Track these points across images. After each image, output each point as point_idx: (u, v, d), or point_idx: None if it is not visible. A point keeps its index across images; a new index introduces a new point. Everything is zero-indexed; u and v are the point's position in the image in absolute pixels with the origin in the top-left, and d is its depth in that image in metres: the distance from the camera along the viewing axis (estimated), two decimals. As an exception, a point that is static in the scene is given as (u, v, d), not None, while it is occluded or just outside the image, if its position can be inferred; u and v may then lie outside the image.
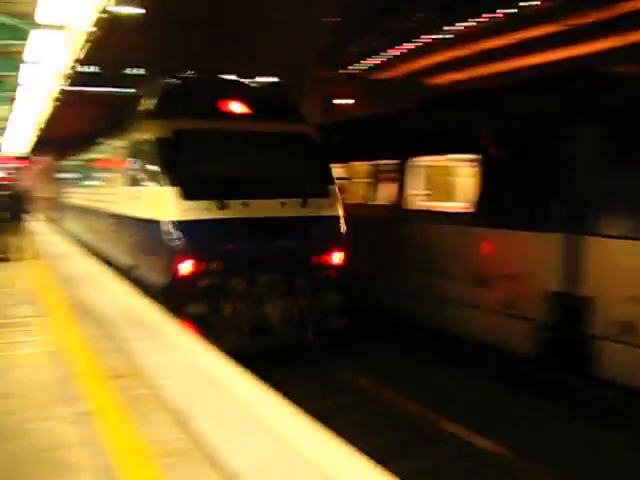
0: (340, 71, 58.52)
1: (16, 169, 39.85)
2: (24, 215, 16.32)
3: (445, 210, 11.29)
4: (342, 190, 11.95)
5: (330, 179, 11.29)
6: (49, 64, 11.79)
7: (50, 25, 9.15)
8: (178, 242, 9.86)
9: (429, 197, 11.97)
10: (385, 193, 12.62)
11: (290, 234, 10.42)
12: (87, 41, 9.42)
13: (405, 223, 11.88)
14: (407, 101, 13.96)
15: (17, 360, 7.13)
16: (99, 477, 4.26)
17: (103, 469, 4.35)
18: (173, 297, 9.93)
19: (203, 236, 9.95)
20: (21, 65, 12.07)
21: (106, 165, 14.99)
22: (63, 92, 16.69)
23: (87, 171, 18.66)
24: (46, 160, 37.24)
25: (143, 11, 19.43)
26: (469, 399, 9.36)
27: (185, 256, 9.81)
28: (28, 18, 9.69)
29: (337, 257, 10.81)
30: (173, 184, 9.94)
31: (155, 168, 10.51)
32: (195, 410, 5.36)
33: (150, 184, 10.79)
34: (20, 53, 12.23)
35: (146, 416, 5.29)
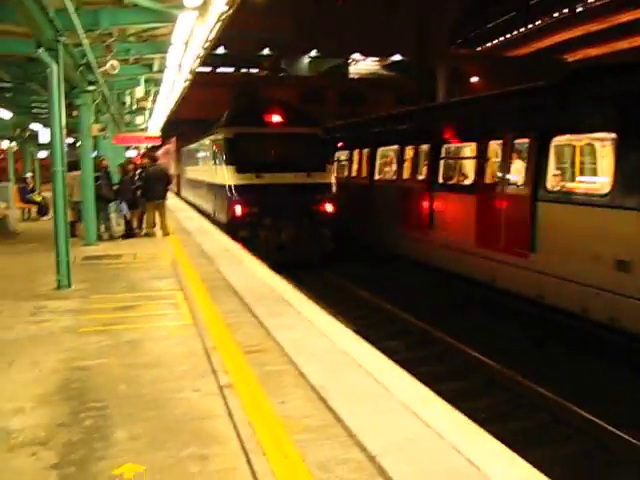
0: (470, 49, 57.13)
1: (159, 149, 41.90)
2: (166, 193, 17.02)
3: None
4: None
5: (327, 160, 18.16)
6: (190, 46, 12.15)
7: (191, 7, 9.34)
8: (234, 196, 16.98)
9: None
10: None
11: (298, 193, 16.76)
12: (219, 21, 9.54)
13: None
14: (538, 79, 13.08)
15: (161, 332, 7.44)
16: (244, 448, 4.35)
17: (247, 441, 4.44)
18: (232, 227, 17.12)
19: (247, 193, 16.85)
20: (169, 47, 12.50)
21: (204, 152, 22.88)
22: (194, 73, 17.14)
23: (195, 154, 26.32)
24: (172, 141, 39.22)
25: None
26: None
27: (237, 204, 16.84)
28: (172, 1, 10.02)
29: (328, 207, 17.25)
30: (232, 164, 17.26)
31: (224, 155, 17.66)
32: (332, 387, 5.38)
33: (222, 164, 17.78)
34: (165, 35, 12.70)
35: (284, 391, 5.36)
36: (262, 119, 17.43)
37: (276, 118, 17.55)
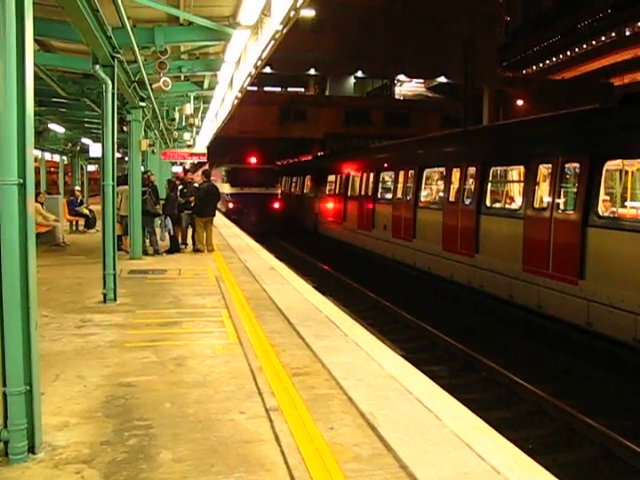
0: (516, 71, 56.75)
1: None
2: (216, 210, 17.18)
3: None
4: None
5: (276, 182, 33.43)
6: (242, 64, 12.25)
7: (245, 25, 9.40)
8: (229, 198, 31.60)
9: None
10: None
11: (261, 197, 31.06)
12: (272, 39, 9.56)
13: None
14: (584, 103, 12.83)
15: (206, 350, 7.38)
16: (292, 476, 4.24)
17: (295, 468, 4.33)
18: (228, 213, 31.58)
19: (236, 197, 31.48)
20: (221, 65, 12.64)
21: (218, 174, 34.82)
22: (244, 91, 17.27)
23: (214, 174, 35.41)
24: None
25: (313, 12, 20.18)
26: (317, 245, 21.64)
27: (230, 202, 31.75)
28: (226, 20, 10.11)
29: (276, 205, 31.83)
30: (229, 182, 32.12)
31: (226, 177, 32.85)
32: (381, 414, 5.25)
33: (225, 182, 32.16)
34: (217, 54, 12.82)
35: (332, 417, 5.24)
36: (245, 160, 32.50)
37: (252, 160, 32.44)
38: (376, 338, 8.18)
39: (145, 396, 5.79)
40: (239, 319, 8.90)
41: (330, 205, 26.33)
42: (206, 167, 26.61)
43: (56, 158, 30.70)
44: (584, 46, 64.28)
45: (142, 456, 4.52)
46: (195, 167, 42.45)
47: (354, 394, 5.73)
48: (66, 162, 31.97)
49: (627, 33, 58.84)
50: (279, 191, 33.27)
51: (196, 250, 16.71)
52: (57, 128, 22.04)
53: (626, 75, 59.30)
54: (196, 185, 17.53)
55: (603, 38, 61.48)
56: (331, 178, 27.02)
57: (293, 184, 35.34)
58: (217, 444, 4.73)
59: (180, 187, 17.44)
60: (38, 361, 4.53)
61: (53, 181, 35.55)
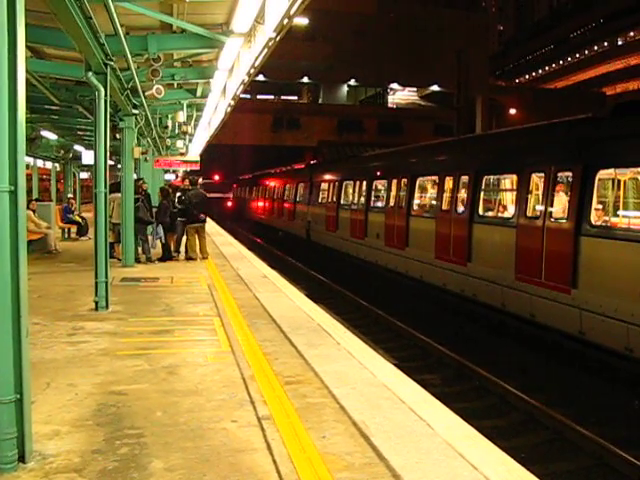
0: (509, 80, 57.03)
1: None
2: (206, 217, 17.16)
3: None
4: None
5: (231, 189, 59.00)
6: (235, 72, 12.25)
7: (239, 33, 9.41)
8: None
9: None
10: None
11: (221, 199, 53.42)
12: (265, 47, 9.57)
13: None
14: (575, 112, 12.89)
15: (198, 358, 7.36)
16: (283, 486, 4.22)
17: (287, 477, 4.31)
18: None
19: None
20: (215, 73, 12.65)
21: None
22: (237, 99, 17.27)
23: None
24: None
25: (307, 21, 20.26)
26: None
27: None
28: (219, 28, 10.12)
29: (229, 204, 56.15)
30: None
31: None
32: (373, 423, 5.23)
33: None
34: (210, 61, 12.82)
35: (324, 426, 5.23)
36: (212, 177, 54.10)
37: (216, 177, 56.40)
38: (368, 347, 8.17)
39: (136, 404, 5.76)
40: (231, 327, 8.88)
41: (324, 213, 26.19)
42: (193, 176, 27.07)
43: (48, 165, 30.61)
44: (577, 55, 64.65)
45: (133, 465, 4.50)
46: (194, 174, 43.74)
47: (346, 403, 5.72)
48: (58, 169, 31.88)
49: (619, 43, 59.24)
50: (231, 195, 57.42)
51: (188, 258, 16.67)
52: (49, 135, 21.96)
53: (618, 84, 59.72)
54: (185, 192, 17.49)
55: (596, 48, 61.83)
56: (324, 186, 26.94)
57: (286, 191, 35.24)
58: (209, 453, 4.71)
59: (178, 194, 17.41)
60: (29, 369, 4.50)
61: (45, 188, 35.44)
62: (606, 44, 61.01)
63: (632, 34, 57.07)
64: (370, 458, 4.59)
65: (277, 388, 6.18)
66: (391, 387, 6.20)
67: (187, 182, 18.21)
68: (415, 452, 4.68)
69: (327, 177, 26.86)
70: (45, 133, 21.56)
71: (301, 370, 6.79)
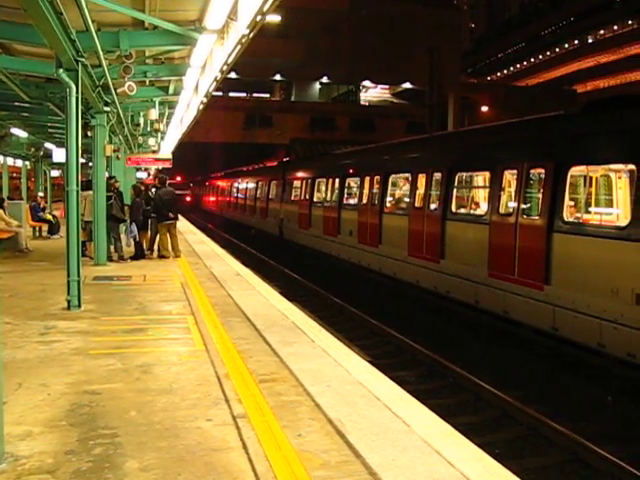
0: (481, 78, 57.38)
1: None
2: (177, 214, 17.06)
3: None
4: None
5: (188, 188, 71.37)
6: (207, 69, 12.20)
7: (211, 30, 9.36)
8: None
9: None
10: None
11: (184, 195, 62.05)
12: (238, 44, 9.52)
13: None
14: (547, 109, 13.02)
15: (172, 357, 7.31)
16: (259, 484, 4.20)
17: (263, 476, 4.30)
18: None
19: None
20: (187, 70, 12.57)
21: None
22: (209, 96, 17.19)
23: None
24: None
25: (279, 18, 20.23)
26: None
27: None
28: (192, 25, 10.06)
29: (188, 199, 66.56)
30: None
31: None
32: (349, 421, 5.24)
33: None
34: (182, 58, 12.74)
35: (300, 424, 5.22)
36: (174, 178, 56.61)
37: (178, 178, 66.37)
38: (343, 344, 8.19)
39: (110, 404, 5.70)
40: (205, 326, 8.83)
41: (297, 211, 26.09)
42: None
43: (19, 163, 30.21)
44: (548, 53, 65.22)
45: (108, 465, 4.45)
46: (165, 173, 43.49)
47: (322, 400, 5.72)
48: (29, 167, 31.48)
49: (590, 40, 59.90)
50: (189, 192, 67.95)
51: (161, 256, 16.56)
52: (19, 133, 21.69)
53: (589, 82, 60.40)
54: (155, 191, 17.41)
55: (566, 45, 62.45)
56: (297, 184, 26.82)
57: (258, 190, 34.73)
58: (184, 452, 4.68)
59: (154, 190, 17.30)
60: (0, 369, 4.43)
61: (16, 186, 34.98)
62: (577, 42, 61.62)
63: (602, 32, 57.73)
64: (346, 456, 4.60)
65: (252, 386, 6.16)
66: (366, 384, 6.22)
67: (157, 181, 18.10)
68: (391, 450, 4.70)
69: (300, 174, 26.77)
70: (15, 131, 21.30)
71: (276, 368, 6.78)
